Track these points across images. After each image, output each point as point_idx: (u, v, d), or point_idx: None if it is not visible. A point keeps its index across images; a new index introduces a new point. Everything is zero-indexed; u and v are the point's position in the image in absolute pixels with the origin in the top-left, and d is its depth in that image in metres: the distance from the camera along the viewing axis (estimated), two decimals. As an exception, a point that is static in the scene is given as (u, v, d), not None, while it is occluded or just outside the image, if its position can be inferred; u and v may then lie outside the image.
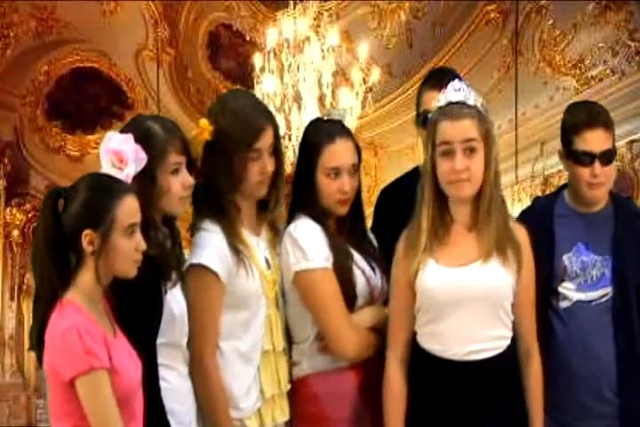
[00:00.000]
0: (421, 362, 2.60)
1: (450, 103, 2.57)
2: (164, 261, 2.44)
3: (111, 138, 2.36)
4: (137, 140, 2.36)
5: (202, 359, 2.57)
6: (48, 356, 2.18)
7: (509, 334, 2.59)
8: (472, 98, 2.59)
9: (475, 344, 2.53)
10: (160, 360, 2.44)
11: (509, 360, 2.58)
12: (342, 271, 2.72)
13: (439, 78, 3.03)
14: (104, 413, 2.13)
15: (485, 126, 2.57)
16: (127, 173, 2.31)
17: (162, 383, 2.43)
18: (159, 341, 2.44)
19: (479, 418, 2.53)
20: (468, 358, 2.53)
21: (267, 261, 2.73)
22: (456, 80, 2.64)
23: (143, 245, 2.24)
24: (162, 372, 2.45)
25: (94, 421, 2.13)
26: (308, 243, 2.70)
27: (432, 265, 2.55)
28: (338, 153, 2.76)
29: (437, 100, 2.91)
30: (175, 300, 2.50)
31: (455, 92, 2.58)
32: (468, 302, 2.52)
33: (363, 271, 2.77)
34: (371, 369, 2.75)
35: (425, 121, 2.98)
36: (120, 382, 2.17)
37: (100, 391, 2.12)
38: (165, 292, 2.45)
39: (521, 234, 2.62)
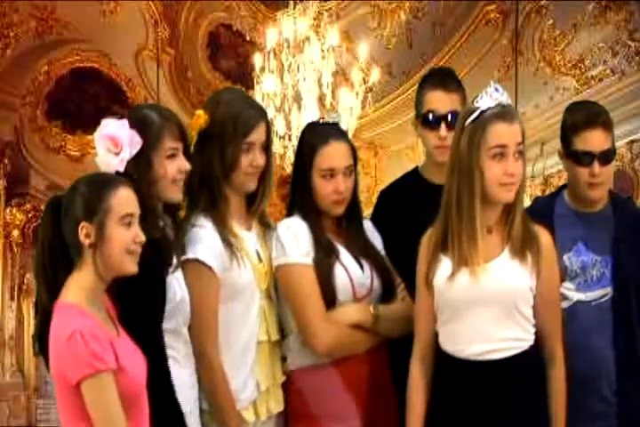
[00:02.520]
0: (442, 362, 2.60)
1: (500, 105, 2.51)
2: (165, 245, 2.47)
3: (106, 124, 2.39)
4: (133, 126, 2.40)
5: (206, 355, 2.60)
6: (54, 362, 2.17)
7: (528, 336, 2.57)
8: (509, 100, 2.56)
9: (488, 344, 2.53)
10: None
11: (530, 362, 2.55)
12: (321, 268, 2.76)
13: (441, 78, 3.02)
14: (109, 416, 2.12)
15: (524, 129, 2.56)
16: (122, 158, 2.35)
17: None
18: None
19: (497, 419, 2.52)
20: (483, 357, 2.53)
21: (258, 253, 2.76)
22: (492, 82, 2.58)
23: (141, 237, 2.23)
24: None
25: (98, 423, 2.12)
26: (289, 239, 2.76)
27: (447, 264, 2.56)
28: (332, 155, 2.79)
29: (441, 99, 2.90)
30: (179, 284, 2.52)
31: (497, 92, 2.53)
32: (480, 302, 2.52)
33: (346, 269, 2.79)
34: (358, 365, 2.78)
35: (428, 121, 2.97)
36: (129, 380, 2.17)
37: (105, 394, 2.12)
38: (166, 274, 2.47)
39: (544, 238, 2.60)
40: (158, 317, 2.43)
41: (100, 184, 2.24)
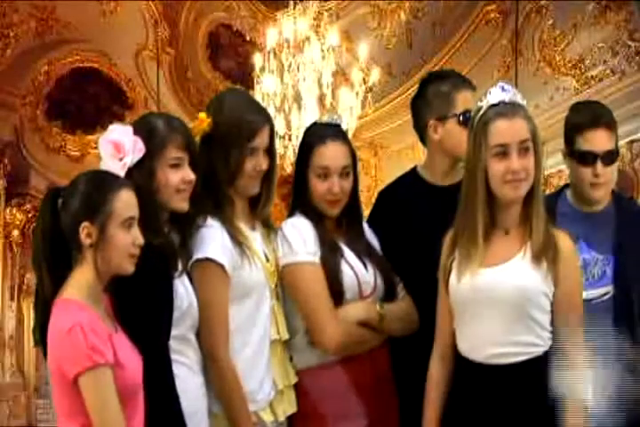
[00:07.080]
0: (458, 362, 2.58)
1: (501, 102, 2.49)
2: (170, 250, 2.46)
3: (112, 130, 2.42)
4: (138, 133, 2.41)
5: (216, 356, 2.58)
6: (53, 355, 2.18)
7: (541, 342, 2.49)
8: (519, 98, 2.53)
9: (496, 348, 2.48)
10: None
11: (543, 369, 2.46)
12: (329, 266, 2.76)
13: (467, 80, 3.02)
14: (106, 409, 2.13)
15: (534, 126, 2.52)
16: (125, 163, 2.36)
17: None
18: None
19: (506, 424, 2.47)
20: (492, 361, 2.49)
21: (264, 253, 2.76)
22: (500, 82, 2.58)
23: (140, 240, 2.24)
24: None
25: (96, 417, 2.13)
26: (295, 238, 2.76)
27: (458, 264, 2.54)
28: (327, 154, 2.80)
29: (472, 100, 2.88)
30: (185, 290, 2.51)
31: (503, 91, 2.52)
32: (487, 304, 2.48)
33: (352, 267, 2.80)
34: (362, 364, 2.78)
35: (466, 121, 2.94)
36: (127, 375, 2.18)
37: (103, 388, 2.13)
38: (172, 279, 2.46)
39: (565, 243, 2.53)
40: (165, 322, 2.41)
41: (104, 185, 2.25)
